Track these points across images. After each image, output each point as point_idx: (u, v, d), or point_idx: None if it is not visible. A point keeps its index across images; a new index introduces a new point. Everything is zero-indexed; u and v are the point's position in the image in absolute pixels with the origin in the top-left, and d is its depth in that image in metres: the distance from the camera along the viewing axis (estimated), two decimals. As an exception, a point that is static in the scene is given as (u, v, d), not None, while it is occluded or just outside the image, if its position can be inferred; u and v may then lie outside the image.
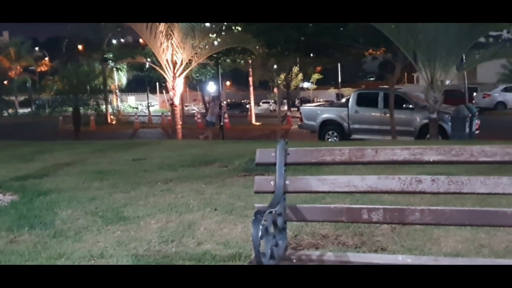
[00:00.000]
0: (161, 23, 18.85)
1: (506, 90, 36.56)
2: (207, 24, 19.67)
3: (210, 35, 21.04)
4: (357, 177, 3.28)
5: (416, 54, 15.59)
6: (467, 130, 16.50)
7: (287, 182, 3.35)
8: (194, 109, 57.66)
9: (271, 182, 3.36)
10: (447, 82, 16.96)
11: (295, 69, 50.23)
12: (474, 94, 35.75)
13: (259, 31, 20.87)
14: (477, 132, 17.87)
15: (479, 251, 4.26)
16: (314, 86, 67.81)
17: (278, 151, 3.37)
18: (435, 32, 14.55)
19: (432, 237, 4.56)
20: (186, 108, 53.65)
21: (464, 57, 18.52)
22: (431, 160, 3.15)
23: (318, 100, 59.13)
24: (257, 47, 21.15)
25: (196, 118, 35.98)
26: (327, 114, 20.41)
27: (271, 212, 3.11)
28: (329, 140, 19.93)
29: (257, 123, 36.99)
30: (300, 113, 22.03)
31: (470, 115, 16.69)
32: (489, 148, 3.07)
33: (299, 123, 22.17)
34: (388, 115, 18.52)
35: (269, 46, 22.45)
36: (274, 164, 3.37)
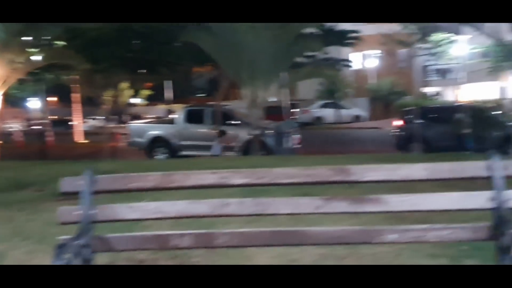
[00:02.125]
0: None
1: (323, 106, 39.17)
2: (25, 38, 18.64)
3: (31, 50, 19.96)
4: (167, 202, 3.27)
5: (238, 73, 16.10)
6: (288, 145, 17.33)
7: (95, 211, 3.24)
8: (13, 127, 54.04)
9: (78, 212, 3.23)
10: (271, 98, 17.76)
11: (124, 85, 49.34)
12: (295, 110, 37.74)
13: (83, 46, 20.26)
14: (298, 146, 18.85)
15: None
16: (144, 102, 67.06)
17: (86, 179, 3.26)
18: (255, 52, 15.16)
19: (246, 254, 4.68)
20: (6, 126, 50.10)
21: (284, 76, 19.45)
22: (238, 183, 3.24)
23: (148, 117, 58.52)
24: (81, 63, 20.47)
25: (15, 136, 33.73)
26: (156, 131, 20.30)
27: (76, 243, 3.00)
28: (158, 157, 19.80)
29: (84, 141, 35.67)
30: (129, 130, 21.68)
31: (290, 130, 17.56)
32: (291, 170, 3.23)
33: (127, 140, 21.77)
34: (215, 131, 18.87)
35: (93, 62, 21.87)
36: (81, 192, 3.25)
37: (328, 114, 38.85)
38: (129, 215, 3.26)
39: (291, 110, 35.09)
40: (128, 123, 27.68)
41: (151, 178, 3.27)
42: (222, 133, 17.61)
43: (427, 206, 3.10)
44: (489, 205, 2.96)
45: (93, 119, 60.07)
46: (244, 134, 18.44)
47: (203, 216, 3.30)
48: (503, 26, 14.42)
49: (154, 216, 3.25)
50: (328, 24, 23.21)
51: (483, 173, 2.98)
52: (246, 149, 18.13)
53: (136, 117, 56.88)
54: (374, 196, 3.13)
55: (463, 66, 36.57)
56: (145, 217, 3.27)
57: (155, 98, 66.99)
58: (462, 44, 33.51)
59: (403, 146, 18.76)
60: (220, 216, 3.27)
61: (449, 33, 34.07)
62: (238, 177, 3.23)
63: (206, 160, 14.70)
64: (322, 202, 3.15)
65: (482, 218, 3.09)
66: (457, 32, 31.45)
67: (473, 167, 3.03)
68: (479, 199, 3.00)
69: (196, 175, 3.26)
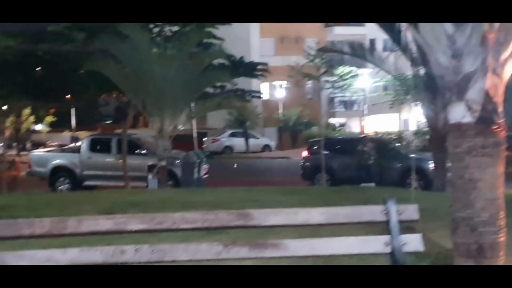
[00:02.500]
0: None
1: (232, 135, 39.41)
2: None
3: None
4: (58, 250, 3.11)
5: (146, 102, 15.90)
6: (196, 175, 17.21)
7: (-22, 260, 3.01)
8: None
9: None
10: (180, 127, 17.79)
11: (26, 111, 47.54)
12: (205, 139, 37.65)
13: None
14: (206, 176, 18.75)
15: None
16: (48, 129, 64.85)
17: (-32, 226, 3.03)
18: (162, 82, 15.04)
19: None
20: None
21: (192, 106, 19.41)
22: (134, 229, 3.13)
23: (52, 144, 56.66)
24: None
25: None
26: (58, 160, 19.72)
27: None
28: (61, 187, 19.16)
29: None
30: (29, 159, 20.90)
31: (198, 160, 17.46)
32: (189, 215, 3.16)
33: (28, 170, 20.94)
34: (121, 160, 18.47)
35: (-7, 88, 21.05)
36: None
37: (238, 143, 39.09)
38: (17, 264, 3.06)
39: (200, 139, 35.01)
40: (30, 151, 26.66)
41: (42, 224, 3.10)
42: (153, 167, 17.13)
43: (326, 250, 3.11)
44: (385, 249, 3.01)
45: (-7, 146, 57.32)
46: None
47: (97, 265, 3.15)
48: (404, 61, 15.17)
49: (45, 265, 3.07)
50: (238, 56, 23.53)
51: (379, 217, 3.04)
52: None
53: (39, 144, 54.86)
54: (275, 241, 3.12)
55: (367, 99, 38.06)
56: (34, 265, 3.07)
57: (60, 125, 64.95)
58: (365, 77, 34.89)
59: (309, 177, 19.11)
60: (115, 264, 3.13)
61: (353, 66, 35.40)
62: (135, 223, 3.12)
63: (108, 193, 14.31)
64: (222, 247, 3.09)
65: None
66: (360, 66, 32.70)
67: (369, 212, 3.09)
68: (376, 244, 3.04)
69: (91, 220, 3.12)
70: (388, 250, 3.01)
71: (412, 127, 41.84)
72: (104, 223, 3.12)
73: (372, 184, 17.02)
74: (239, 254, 3.10)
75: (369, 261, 3.45)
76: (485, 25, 4.51)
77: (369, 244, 3.07)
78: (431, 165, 15.82)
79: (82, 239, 3.34)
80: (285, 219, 3.13)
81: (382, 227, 3.09)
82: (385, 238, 3.02)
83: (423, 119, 22.72)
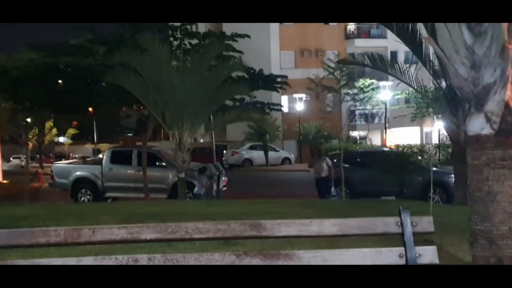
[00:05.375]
0: None
1: (252, 148, 39.40)
2: None
3: None
4: (73, 259, 3.12)
5: (165, 114, 16.01)
6: (215, 187, 17.23)
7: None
8: None
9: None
10: (199, 139, 17.92)
11: (49, 123, 48.12)
12: (224, 151, 37.70)
13: (5, 85, 19.79)
14: (225, 188, 18.77)
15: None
16: (70, 141, 65.59)
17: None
18: (182, 95, 15.14)
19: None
20: None
21: (211, 118, 19.48)
22: (148, 238, 3.14)
23: (74, 156, 57.24)
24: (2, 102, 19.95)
25: None
26: (80, 171, 20.02)
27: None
28: (82, 198, 19.40)
29: (4, 181, 34.36)
30: (52, 171, 21.18)
31: (217, 173, 17.49)
32: (202, 225, 3.15)
33: (50, 181, 21.24)
34: (141, 172, 18.61)
35: (16, 101, 21.42)
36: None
37: (257, 156, 39.04)
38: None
39: (220, 152, 35.05)
40: (55, 162, 26.96)
41: (57, 233, 3.11)
42: (204, 169, 16.85)
43: (339, 261, 3.07)
44: (400, 261, 2.97)
45: (17, 158, 58.02)
46: (172, 176, 18.23)
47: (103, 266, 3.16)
48: (425, 74, 15.03)
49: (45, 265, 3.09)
50: (257, 68, 23.59)
51: (393, 229, 3.00)
52: (174, 190, 17.88)
53: (62, 156, 55.45)
54: (287, 251, 3.10)
55: (388, 111, 37.82)
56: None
57: (82, 137, 65.65)
58: (386, 90, 34.73)
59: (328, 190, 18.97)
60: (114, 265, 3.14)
61: (374, 79, 35.32)
62: (148, 232, 3.12)
63: (128, 204, 14.39)
64: (235, 257, 3.08)
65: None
66: (381, 78, 32.63)
67: (383, 223, 3.05)
68: (390, 256, 3.00)
69: (105, 230, 3.13)
70: (402, 262, 2.97)
71: (434, 140, 41.52)
72: (118, 232, 3.12)
73: (393, 198, 16.84)
74: (252, 263, 3.09)
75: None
76: (505, 36, 4.46)
77: (383, 255, 3.03)
78: (453, 178, 15.59)
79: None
80: (298, 230, 3.11)
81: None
82: (400, 250, 2.98)
83: (445, 132, 22.49)
